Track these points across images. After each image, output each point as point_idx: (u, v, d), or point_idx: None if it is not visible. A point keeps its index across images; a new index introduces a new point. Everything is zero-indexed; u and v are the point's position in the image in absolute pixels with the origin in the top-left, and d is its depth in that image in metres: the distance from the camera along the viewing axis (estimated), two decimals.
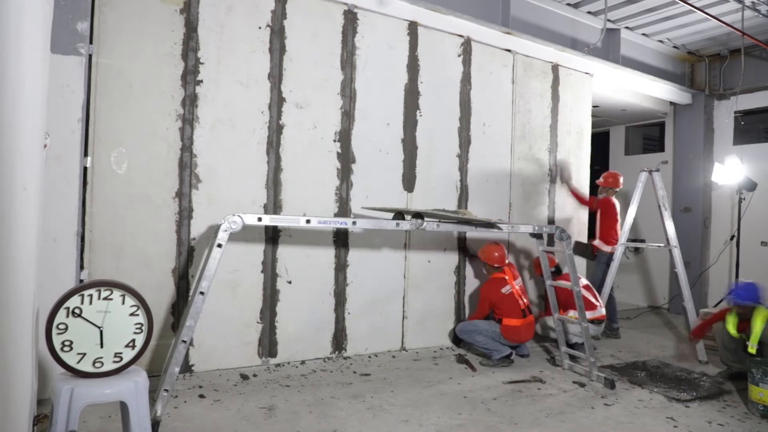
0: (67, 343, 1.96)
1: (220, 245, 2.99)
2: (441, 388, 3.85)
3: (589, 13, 6.03)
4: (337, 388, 3.75)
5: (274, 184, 4.17)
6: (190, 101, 3.84)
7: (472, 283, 5.22)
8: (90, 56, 3.44)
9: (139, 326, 2.09)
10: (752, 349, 3.93)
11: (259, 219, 3.12)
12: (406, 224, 3.66)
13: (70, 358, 1.96)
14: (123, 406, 2.05)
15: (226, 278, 3.99)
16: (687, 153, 7.53)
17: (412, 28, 4.83)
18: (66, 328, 1.96)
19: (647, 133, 8.68)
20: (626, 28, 6.44)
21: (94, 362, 2.00)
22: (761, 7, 5.66)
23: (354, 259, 4.54)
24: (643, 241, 7.99)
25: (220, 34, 3.95)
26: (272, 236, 4.17)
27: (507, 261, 4.79)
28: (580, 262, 6.11)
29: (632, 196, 5.50)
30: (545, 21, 5.75)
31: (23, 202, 1.80)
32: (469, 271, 5.20)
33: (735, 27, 5.75)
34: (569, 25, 5.95)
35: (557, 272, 5.19)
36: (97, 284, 2.04)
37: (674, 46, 7.05)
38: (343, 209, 4.48)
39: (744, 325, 4.13)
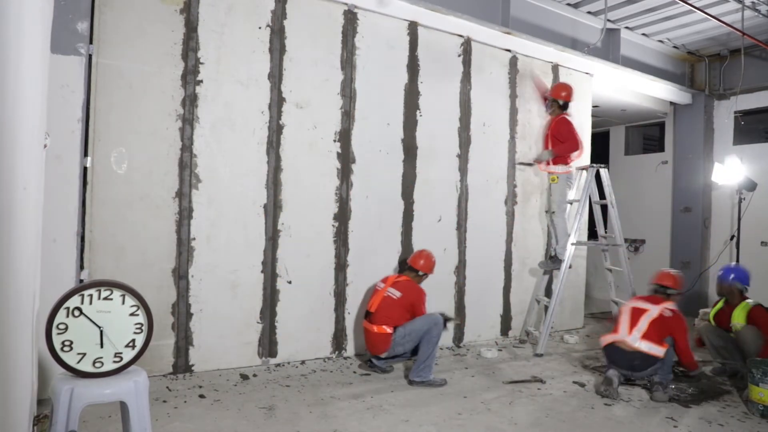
0: (67, 343, 1.95)
1: None
2: (441, 389, 3.85)
3: (589, 13, 6.02)
4: (337, 388, 3.75)
5: (274, 184, 4.17)
6: (190, 101, 3.84)
7: (472, 284, 5.22)
8: (90, 56, 3.44)
9: (139, 326, 2.08)
10: (734, 327, 4.22)
11: None
12: None
13: (70, 358, 1.96)
14: (123, 406, 2.05)
15: (226, 278, 3.99)
16: (687, 153, 7.53)
17: (412, 28, 4.83)
18: (66, 328, 1.95)
19: (647, 133, 8.68)
20: (626, 28, 6.44)
21: (94, 362, 2.00)
22: (761, 7, 5.66)
23: (354, 259, 4.54)
24: (643, 241, 8.00)
25: (220, 34, 3.95)
26: (272, 236, 4.17)
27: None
28: (580, 253, 6.10)
29: (582, 194, 5.30)
30: (545, 21, 5.75)
31: (23, 202, 1.80)
32: (469, 271, 5.20)
33: (735, 27, 5.75)
34: (569, 25, 5.95)
35: None
36: (97, 284, 2.03)
37: (674, 46, 7.06)
38: (343, 209, 4.48)
39: (722, 316, 4.40)
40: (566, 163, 5.24)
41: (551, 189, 5.35)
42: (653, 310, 3.95)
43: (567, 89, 5.32)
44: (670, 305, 4.02)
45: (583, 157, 5.63)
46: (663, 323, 3.88)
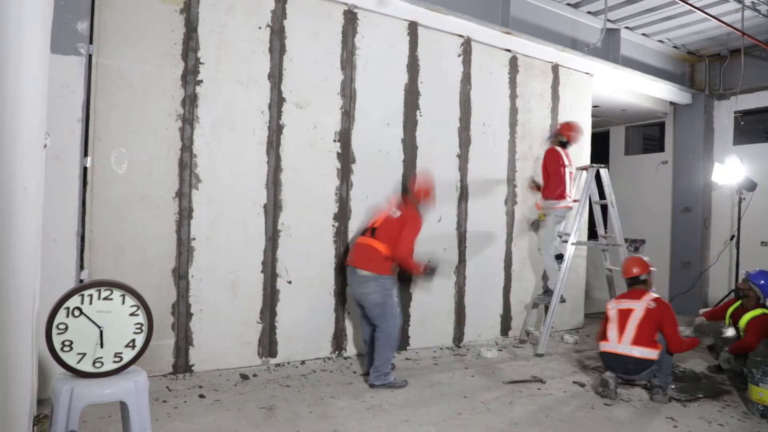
0: (67, 343, 1.96)
1: None
2: (441, 389, 3.85)
3: (589, 13, 6.03)
4: (337, 388, 3.75)
5: (274, 184, 4.17)
6: (190, 101, 3.84)
7: (472, 284, 5.21)
8: (90, 56, 3.44)
9: (139, 326, 2.09)
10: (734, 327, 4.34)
11: None
12: None
13: (70, 358, 1.96)
14: (123, 406, 2.05)
15: (226, 278, 3.99)
16: (687, 153, 7.53)
17: (412, 28, 4.83)
18: (66, 328, 1.96)
19: (647, 133, 8.68)
20: (626, 28, 6.45)
21: (94, 362, 2.00)
22: (761, 7, 5.67)
23: None
24: (643, 241, 7.99)
25: (220, 34, 3.95)
26: (272, 236, 4.16)
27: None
28: (580, 253, 6.10)
29: (582, 195, 5.24)
30: (545, 21, 5.76)
31: (23, 202, 1.80)
32: (469, 271, 5.20)
33: (735, 27, 5.75)
34: (569, 25, 5.95)
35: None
36: (97, 284, 2.03)
37: (674, 46, 7.06)
38: (343, 209, 4.48)
39: (736, 316, 4.41)
40: (558, 198, 5.08)
41: (540, 225, 5.39)
42: (638, 309, 3.83)
43: (574, 129, 5.25)
44: (653, 297, 3.91)
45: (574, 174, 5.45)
46: (651, 319, 3.77)
